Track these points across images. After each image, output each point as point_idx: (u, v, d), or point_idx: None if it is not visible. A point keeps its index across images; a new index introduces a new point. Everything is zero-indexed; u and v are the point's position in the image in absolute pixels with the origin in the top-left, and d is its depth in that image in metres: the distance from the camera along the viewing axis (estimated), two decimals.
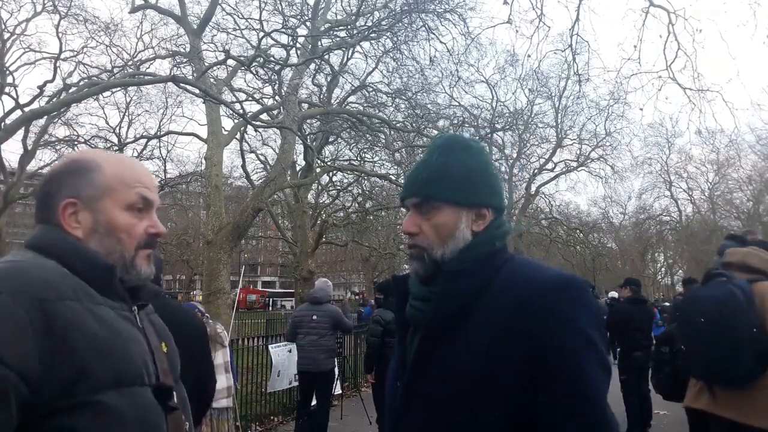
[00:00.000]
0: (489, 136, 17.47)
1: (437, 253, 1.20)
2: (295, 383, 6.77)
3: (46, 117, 12.04)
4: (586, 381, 1.06)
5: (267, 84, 14.73)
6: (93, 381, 0.89)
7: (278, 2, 14.85)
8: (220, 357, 4.57)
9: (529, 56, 18.80)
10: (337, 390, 7.55)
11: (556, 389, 1.05)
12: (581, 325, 1.08)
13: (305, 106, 16.42)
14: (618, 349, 7.09)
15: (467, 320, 1.13)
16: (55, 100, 14.12)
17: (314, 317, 6.04)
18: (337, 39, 14.97)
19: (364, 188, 20.76)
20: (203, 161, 17.41)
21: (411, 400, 1.20)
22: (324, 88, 17.03)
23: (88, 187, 1.07)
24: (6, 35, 18.52)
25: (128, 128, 23.46)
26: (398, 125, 16.53)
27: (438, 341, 1.16)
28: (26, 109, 13.64)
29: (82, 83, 14.38)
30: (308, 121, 17.02)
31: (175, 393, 1.08)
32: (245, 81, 17.31)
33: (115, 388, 0.92)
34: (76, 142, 18.81)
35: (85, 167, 1.09)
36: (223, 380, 4.53)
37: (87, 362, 0.89)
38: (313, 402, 6.22)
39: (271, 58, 13.19)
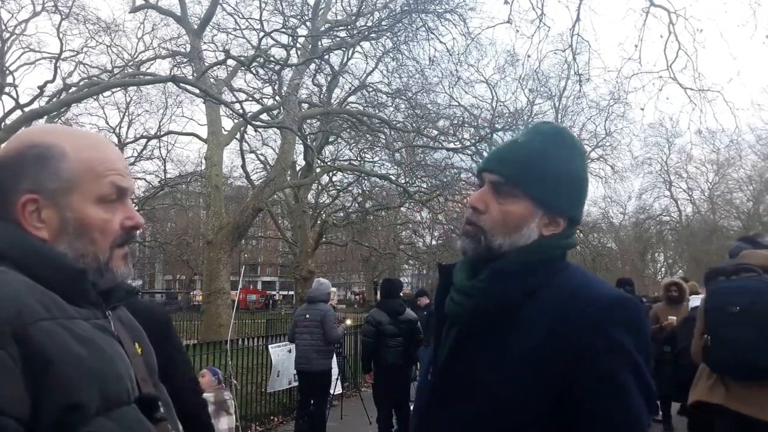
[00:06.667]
0: (489, 136, 17.45)
1: (496, 241, 1.12)
2: (295, 383, 6.77)
3: (46, 117, 12.02)
4: (624, 402, 1.01)
5: (267, 84, 14.74)
6: (83, 411, 0.79)
7: (278, 2, 14.85)
8: (225, 423, 4.51)
9: (529, 56, 18.70)
10: (337, 390, 7.55)
11: (596, 411, 1.01)
12: (625, 346, 1.02)
13: (305, 106, 16.43)
14: None
15: (509, 324, 1.07)
16: (55, 100, 14.12)
17: (307, 316, 6.03)
18: (337, 39, 14.97)
19: (364, 188, 20.76)
20: (203, 161, 17.45)
21: (438, 399, 1.15)
22: (324, 88, 17.03)
23: (52, 180, 0.90)
24: (6, 35, 18.54)
25: (128, 128, 23.56)
26: (398, 125, 16.52)
27: (474, 341, 1.11)
28: (26, 109, 13.65)
29: (82, 83, 14.39)
30: (308, 121, 17.03)
31: (160, 401, 0.98)
32: (245, 81, 17.33)
33: (104, 414, 0.82)
34: None
35: (46, 154, 0.91)
36: None
37: (75, 391, 0.79)
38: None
39: (271, 58, 13.18)
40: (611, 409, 1.01)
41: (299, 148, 17.32)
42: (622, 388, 1.01)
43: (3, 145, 0.95)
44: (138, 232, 1.04)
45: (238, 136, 17.50)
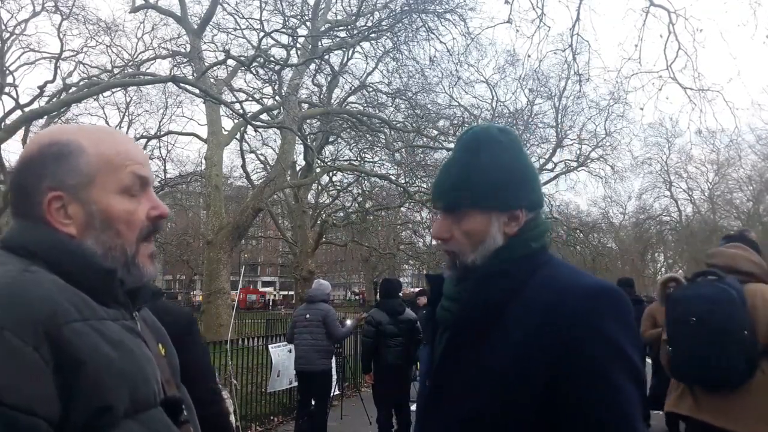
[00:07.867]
0: None
1: (468, 259, 1.18)
2: (295, 383, 6.77)
3: (46, 117, 12.04)
4: (614, 393, 1.01)
5: (267, 84, 14.74)
6: (113, 413, 0.79)
7: (279, 2, 14.87)
8: None
9: (529, 56, 18.79)
10: (337, 390, 7.55)
11: (585, 404, 1.01)
12: (614, 336, 1.03)
13: (305, 106, 16.42)
14: None
15: (497, 323, 1.10)
16: (55, 100, 14.12)
17: (307, 316, 6.03)
18: (337, 39, 14.97)
19: (364, 188, 20.75)
20: (203, 161, 17.46)
21: (434, 401, 1.19)
22: (324, 88, 17.04)
23: (72, 175, 0.91)
24: (6, 35, 18.54)
25: (128, 128, 23.52)
26: (398, 125, 16.52)
27: (464, 342, 1.15)
28: (26, 109, 13.63)
29: (82, 83, 14.38)
30: (308, 121, 17.02)
31: (183, 404, 0.98)
32: (245, 81, 17.34)
33: (132, 416, 0.82)
34: None
35: (64, 151, 0.92)
36: None
37: (106, 393, 0.79)
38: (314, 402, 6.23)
39: (271, 58, 13.18)
40: (601, 403, 1.01)
41: (299, 148, 17.34)
42: (610, 381, 1.01)
43: (23, 147, 0.97)
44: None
45: (238, 136, 17.50)
